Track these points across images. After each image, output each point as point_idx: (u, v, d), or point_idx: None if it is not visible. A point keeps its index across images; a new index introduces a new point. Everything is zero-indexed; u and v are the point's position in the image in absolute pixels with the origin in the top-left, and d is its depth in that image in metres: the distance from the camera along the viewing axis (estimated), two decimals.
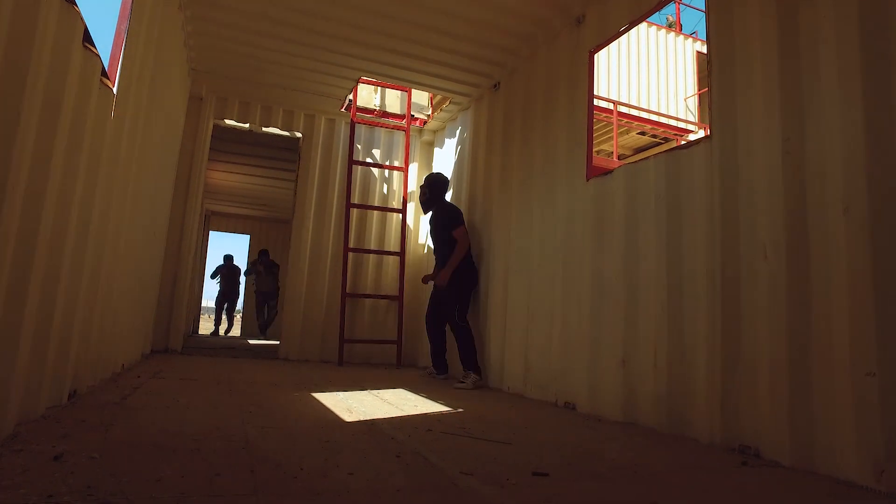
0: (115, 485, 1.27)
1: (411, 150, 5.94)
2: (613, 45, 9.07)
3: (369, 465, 1.62)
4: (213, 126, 5.36)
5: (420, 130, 6.06)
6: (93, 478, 1.31)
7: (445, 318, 4.29)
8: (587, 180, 3.20)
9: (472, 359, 4.00)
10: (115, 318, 2.90)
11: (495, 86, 4.57)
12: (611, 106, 8.21)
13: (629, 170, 2.90)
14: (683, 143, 2.67)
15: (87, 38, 1.88)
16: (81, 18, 1.78)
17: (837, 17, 1.95)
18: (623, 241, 2.86)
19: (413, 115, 5.82)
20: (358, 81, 4.98)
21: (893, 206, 1.75)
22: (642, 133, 9.00)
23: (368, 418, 2.41)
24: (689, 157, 2.55)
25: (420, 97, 5.83)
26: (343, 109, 5.55)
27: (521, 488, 1.49)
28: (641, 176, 2.80)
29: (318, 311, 5.38)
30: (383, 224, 5.79)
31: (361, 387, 3.54)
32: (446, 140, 5.67)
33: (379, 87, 5.72)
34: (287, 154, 6.97)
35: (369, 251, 5.55)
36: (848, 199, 1.86)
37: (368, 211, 5.65)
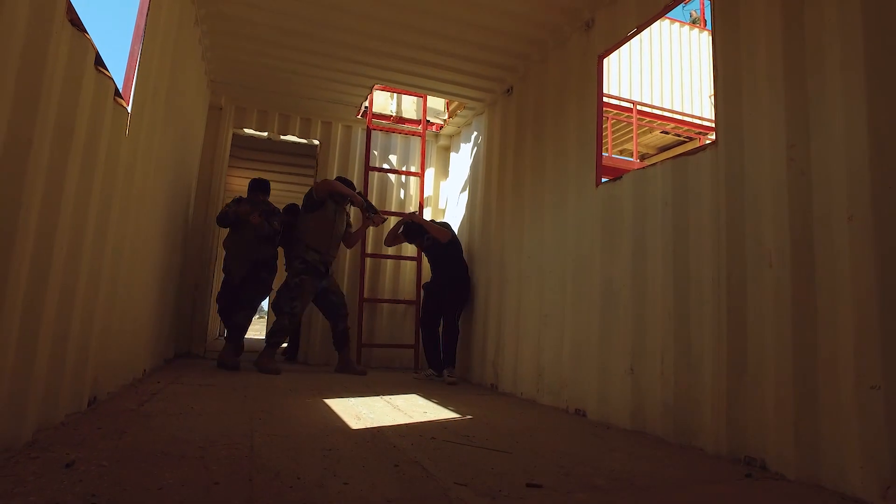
0: (117, 493, 1.35)
1: (428, 155, 6.00)
2: (636, 41, 8.97)
3: (366, 475, 1.66)
4: (233, 135, 5.51)
5: (436, 135, 6.11)
6: (98, 486, 1.39)
7: (446, 321, 4.64)
8: (596, 186, 3.19)
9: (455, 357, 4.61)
10: (135, 326, 3.01)
11: (508, 90, 4.58)
12: (631, 105, 8.13)
13: (637, 176, 2.89)
14: (689, 150, 2.64)
15: (99, 61, 1.97)
16: (92, 44, 1.87)
17: (841, 25, 1.92)
18: (631, 248, 2.85)
19: (429, 121, 5.87)
20: (373, 89, 5.05)
21: None
22: (666, 132, 8.89)
23: (375, 426, 2.46)
24: (696, 163, 2.53)
25: (436, 102, 5.89)
26: (359, 116, 5.63)
27: (512, 500, 1.52)
28: (649, 182, 2.79)
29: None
30: None
31: (375, 392, 3.60)
32: (462, 145, 5.70)
33: (395, 93, 5.79)
34: (305, 160, 7.11)
35: (386, 257, 5.62)
36: (852, 207, 1.83)
37: (385, 215, 5.72)
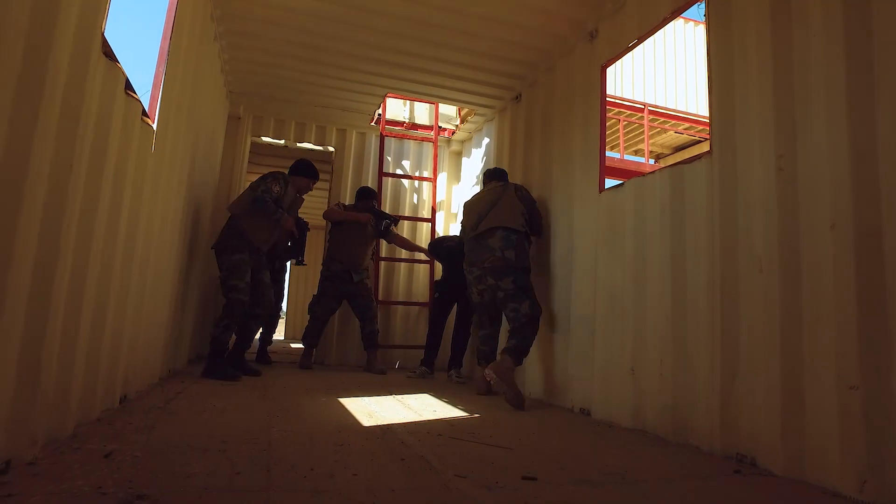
0: (151, 480, 1.52)
1: (440, 161, 6.15)
2: (649, 42, 9.02)
3: (373, 468, 1.82)
4: (251, 143, 5.73)
5: (448, 141, 6.26)
6: (134, 473, 1.56)
7: (461, 323, 4.84)
8: (600, 192, 3.32)
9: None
10: (161, 330, 3.22)
11: (517, 97, 4.72)
12: (643, 106, 8.18)
13: (637, 183, 3.01)
14: (686, 158, 2.76)
15: (129, 86, 2.16)
16: (122, 71, 2.05)
17: (826, 43, 2.03)
18: (632, 253, 2.97)
19: (441, 126, 6.02)
20: (385, 97, 5.22)
21: (876, 225, 1.82)
22: (679, 132, 8.92)
23: (385, 423, 2.62)
24: (692, 171, 2.64)
25: (448, 108, 6.03)
26: (373, 123, 5.80)
27: (506, 491, 1.66)
28: (649, 190, 2.91)
29: (354, 318, 5.64)
30: (413, 233, 6.03)
31: (388, 392, 3.75)
32: (473, 150, 5.85)
33: (407, 100, 5.95)
34: (321, 166, 7.27)
35: (400, 260, 5.78)
36: (835, 215, 1.94)
37: (400, 219, 5.88)
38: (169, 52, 2.73)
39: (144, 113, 2.43)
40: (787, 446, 2.02)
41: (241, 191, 5.55)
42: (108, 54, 1.91)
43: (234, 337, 4.08)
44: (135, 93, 2.25)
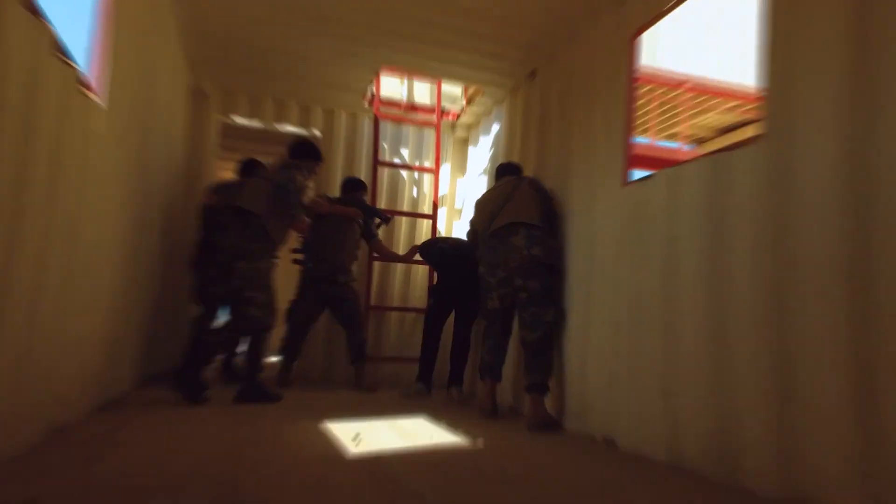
0: None
1: (443, 149, 6.01)
2: (690, 5, 8.69)
3: None
4: (223, 124, 5.58)
5: (453, 126, 6.14)
6: None
7: (458, 333, 4.77)
8: (623, 186, 3.20)
9: None
10: (102, 346, 3.02)
11: (531, 74, 4.60)
12: (683, 80, 7.84)
13: (669, 175, 2.89)
14: (732, 143, 2.65)
15: (59, 48, 2.06)
16: (51, 29, 1.95)
17: None
18: (662, 258, 2.85)
19: (444, 109, 5.87)
20: (379, 72, 5.09)
21: None
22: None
23: (374, 452, 2.52)
24: (739, 160, 2.51)
25: (452, 87, 5.87)
26: (367, 105, 5.65)
27: None
28: (683, 183, 2.78)
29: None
30: (412, 231, 5.92)
31: (380, 413, 3.66)
32: (481, 137, 5.75)
33: (405, 78, 5.77)
34: None
35: (398, 259, 5.64)
36: None
37: (396, 216, 5.74)
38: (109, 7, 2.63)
39: (81, 82, 2.32)
40: (864, 486, 1.88)
41: (212, 181, 5.36)
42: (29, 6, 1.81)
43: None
44: (68, 57, 2.15)
